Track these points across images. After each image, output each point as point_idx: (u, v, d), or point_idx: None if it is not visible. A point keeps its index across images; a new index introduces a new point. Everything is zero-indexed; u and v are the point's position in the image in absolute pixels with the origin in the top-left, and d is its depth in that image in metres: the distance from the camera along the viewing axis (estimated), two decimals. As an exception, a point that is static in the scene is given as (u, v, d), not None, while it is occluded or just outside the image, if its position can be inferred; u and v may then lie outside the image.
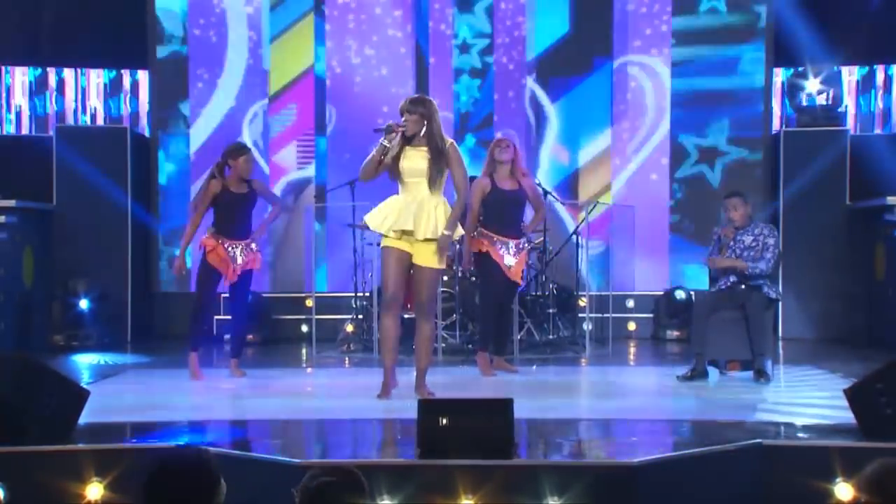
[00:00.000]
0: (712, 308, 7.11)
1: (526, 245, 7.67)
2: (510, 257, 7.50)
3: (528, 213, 7.90)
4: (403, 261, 6.25)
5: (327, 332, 9.42)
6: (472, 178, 8.53)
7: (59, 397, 5.01)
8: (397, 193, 6.33)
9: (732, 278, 7.17)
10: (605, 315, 9.61)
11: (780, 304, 9.50)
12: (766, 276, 7.09)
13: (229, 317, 7.96)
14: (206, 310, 7.56)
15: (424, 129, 6.20)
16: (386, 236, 6.25)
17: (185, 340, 7.60)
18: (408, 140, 6.23)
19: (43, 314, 9.58)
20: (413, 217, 6.16)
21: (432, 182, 6.22)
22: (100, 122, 10.73)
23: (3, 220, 8.93)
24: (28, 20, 10.46)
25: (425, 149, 6.21)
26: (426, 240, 6.19)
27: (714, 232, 7.42)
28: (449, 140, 6.32)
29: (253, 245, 7.39)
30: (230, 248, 7.28)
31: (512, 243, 7.53)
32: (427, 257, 6.23)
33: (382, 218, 6.25)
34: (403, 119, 6.22)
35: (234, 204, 7.33)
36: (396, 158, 6.22)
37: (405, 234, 6.19)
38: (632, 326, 10.37)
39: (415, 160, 6.21)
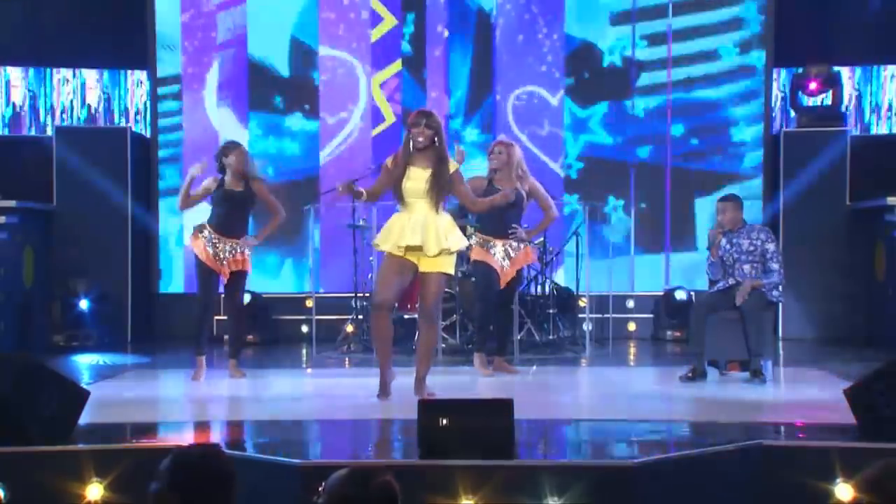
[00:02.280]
0: (711, 308, 7.12)
1: (522, 246, 7.65)
2: (505, 261, 7.52)
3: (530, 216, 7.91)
4: (405, 269, 6.27)
5: (327, 332, 9.42)
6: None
7: (59, 397, 5.00)
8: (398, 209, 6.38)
9: (731, 280, 7.17)
10: (605, 315, 9.63)
11: (781, 304, 9.53)
12: (782, 284, 7.16)
13: (226, 317, 7.95)
14: (209, 310, 7.54)
15: (434, 143, 6.23)
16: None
17: (190, 342, 7.53)
18: (411, 159, 6.24)
19: (43, 314, 9.59)
20: (421, 233, 6.17)
21: (434, 203, 6.24)
22: (100, 122, 10.73)
23: (3, 220, 8.93)
24: (28, 20, 10.45)
25: (429, 170, 6.21)
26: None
27: (709, 234, 7.40)
28: (454, 165, 6.32)
29: (242, 247, 7.37)
30: (217, 244, 7.27)
31: (507, 246, 7.54)
32: (434, 264, 6.24)
33: (388, 236, 6.27)
34: (416, 131, 6.21)
35: (227, 201, 7.32)
36: (400, 179, 6.24)
37: (411, 249, 6.21)
38: (632, 327, 10.37)
39: (418, 181, 6.22)
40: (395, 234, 6.23)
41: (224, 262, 7.27)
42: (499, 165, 7.57)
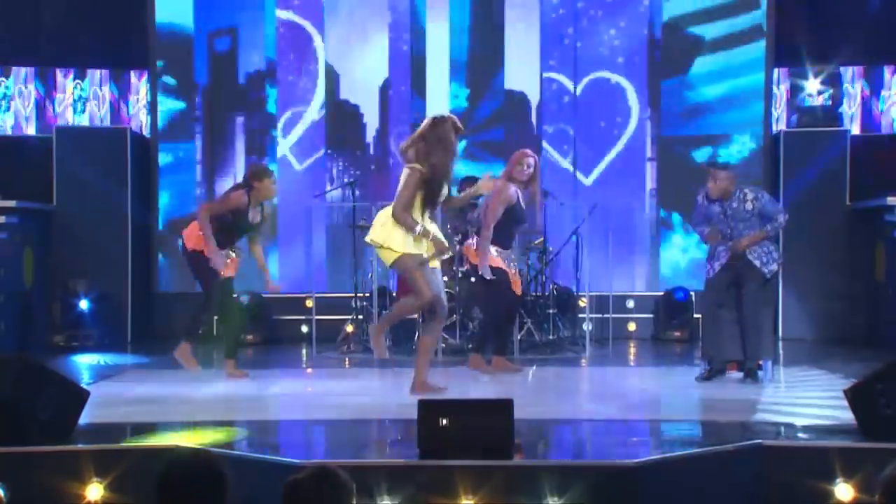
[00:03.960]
0: (718, 304, 7.00)
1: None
2: (514, 270, 7.52)
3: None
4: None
5: (327, 332, 9.42)
6: (471, 178, 8.54)
7: (59, 398, 5.01)
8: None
9: (725, 256, 7.02)
10: (606, 315, 9.62)
11: (781, 304, 9.51)
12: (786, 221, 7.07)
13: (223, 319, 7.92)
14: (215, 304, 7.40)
15: None
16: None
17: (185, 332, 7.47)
18: None
19: (43, 314, 9.59)
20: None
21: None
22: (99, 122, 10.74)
23: (3, 221, 8.94)
24: (28, 20, 10.45)
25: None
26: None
27: (697, 197, 7.20)
28: None
29: (232, 253, 7.34)
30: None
31: (511, 256, 7.54)
32: (436, 260, 6.29)
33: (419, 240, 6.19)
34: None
35: (240, 228, 7.25)
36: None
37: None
38: (632, 327, 10.37)
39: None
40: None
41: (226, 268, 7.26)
42: (526, 178, 7.40)
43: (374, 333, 6.42)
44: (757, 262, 6.96)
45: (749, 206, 6.97)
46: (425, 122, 6.30)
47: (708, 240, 7.12)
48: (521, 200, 7.43)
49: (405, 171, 6.19)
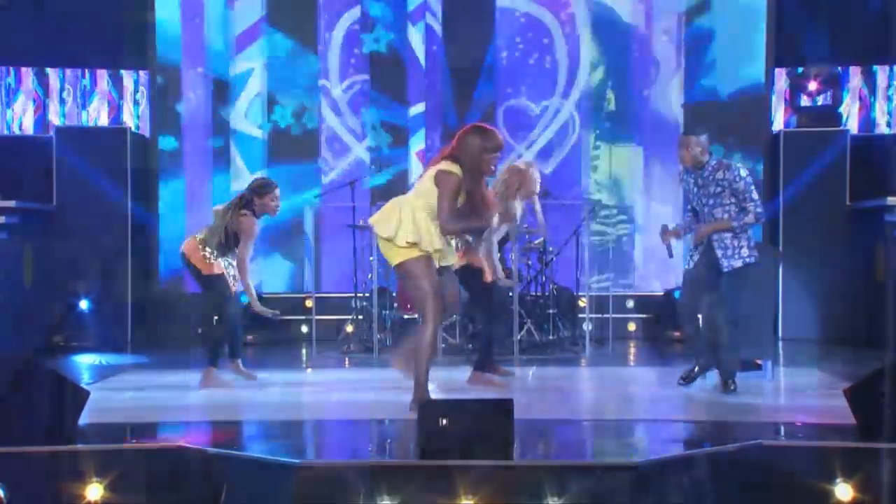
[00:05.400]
0: (696, 303, 6.64)
1: None
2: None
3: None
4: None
5: (327, 332, 9.42)
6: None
7: (59, 398, 5.01)
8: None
9: (697, 252, 6.63)
10: (605, 315, 9.62)
11: (781, 303, 9.51)
12: (761, 221, 6.50)
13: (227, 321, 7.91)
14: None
15: None
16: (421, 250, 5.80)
17: (187, 342, 7.45)
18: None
19: (43, 314, 9.58)
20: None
21: None
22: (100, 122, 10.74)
23: (3, 221, 8.93)
24: (28, 20, 10.45)
25: None
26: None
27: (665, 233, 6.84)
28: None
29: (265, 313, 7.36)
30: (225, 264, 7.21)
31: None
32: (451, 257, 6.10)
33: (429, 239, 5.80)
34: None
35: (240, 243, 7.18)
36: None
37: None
38: (632, 327, 10.37)
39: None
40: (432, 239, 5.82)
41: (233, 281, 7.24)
42: (538, 192, 7.49)
43: (400, 365, 6.18)
44: (719, 252, 6.50)
45: (720, 175, 6.45)
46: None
47: (662, 237, 6.74)
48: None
49: (431, 172, 5.80)
